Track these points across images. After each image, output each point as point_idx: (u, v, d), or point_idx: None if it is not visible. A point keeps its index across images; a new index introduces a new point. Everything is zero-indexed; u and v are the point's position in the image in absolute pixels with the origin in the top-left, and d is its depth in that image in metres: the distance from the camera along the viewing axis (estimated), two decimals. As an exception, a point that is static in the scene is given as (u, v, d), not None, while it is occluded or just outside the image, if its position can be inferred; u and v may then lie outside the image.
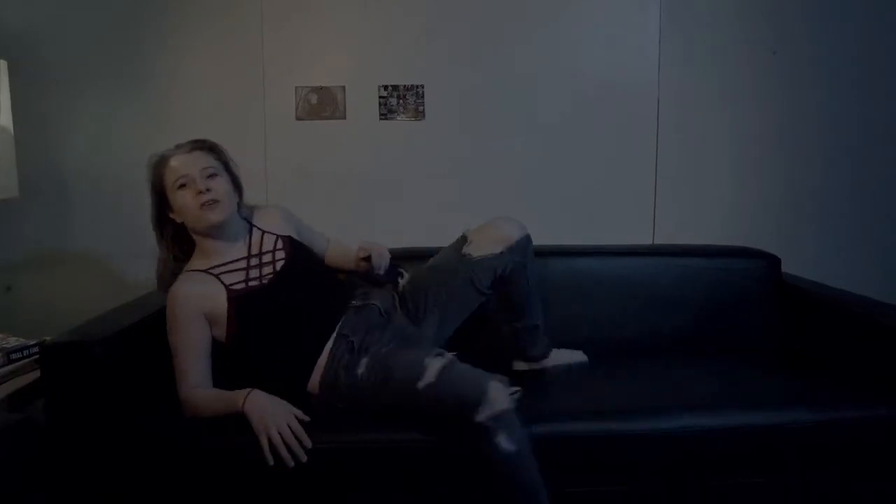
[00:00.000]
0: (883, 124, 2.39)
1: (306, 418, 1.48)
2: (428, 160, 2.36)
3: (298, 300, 1.69)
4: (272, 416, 1.47)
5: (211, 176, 1.70)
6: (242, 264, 1.73)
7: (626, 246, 2.26)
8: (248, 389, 1.52)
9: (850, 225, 2.42)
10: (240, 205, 1.80)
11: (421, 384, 1.47)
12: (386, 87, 2.34)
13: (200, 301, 1.65)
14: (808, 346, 2.04)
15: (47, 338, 1.60)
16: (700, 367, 1.94)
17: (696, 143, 2.38)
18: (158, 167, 1.73)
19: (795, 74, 2.35)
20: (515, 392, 1.44)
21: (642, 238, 2.40)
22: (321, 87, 2.31)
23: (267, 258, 1.75)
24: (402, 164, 2.36)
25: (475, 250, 1.76)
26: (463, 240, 1.81)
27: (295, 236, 1.83)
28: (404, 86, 2.33)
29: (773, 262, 2.19)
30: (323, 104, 2.31)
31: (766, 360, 2.01)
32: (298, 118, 2.32)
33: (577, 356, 1.97)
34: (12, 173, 1.96)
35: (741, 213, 2.42)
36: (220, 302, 1.65)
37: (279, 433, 1.44)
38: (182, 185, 1.68)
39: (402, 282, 1.84)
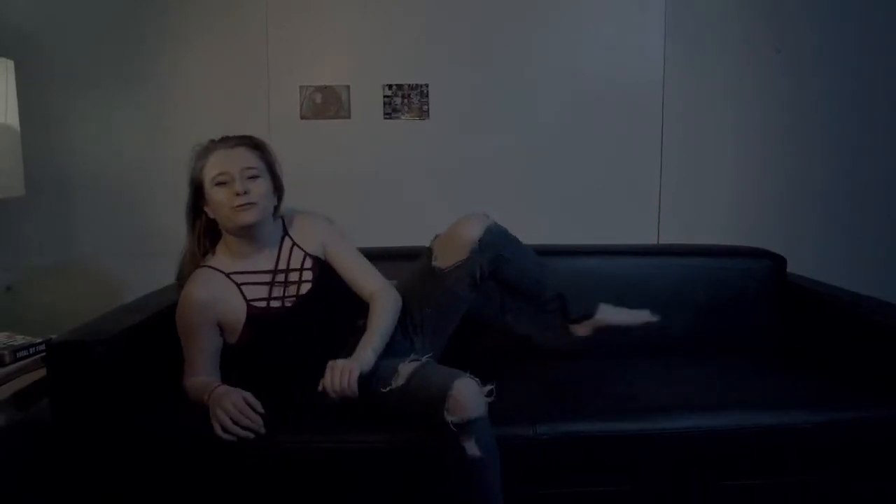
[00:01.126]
0: (887, 123, 2.38)
1: (260, 409, 1.46)
2: (432, 159, 2.36)
3: (315, 328, 1.65)
4: (221, 399, 1.46)
5: (252, 177, 1.65)
6: (267, 278, 1.69)
7: (630, 246, 2.26)
8: (217, 384, 1.53)
9: (855, 224, 2.41)
10: (277, 207, 1.76)
11: (390, 388, 1.48)
12: (390, 87, 2.34)
13: (216, 309, 1.65)
14: (813, 346, 2.04)
15: (53, 336, 1.61)
16: (704, 367, 1.93)
17: (701, 142, 2.37)
18: (199, 159, 1.68)
19: (799, 73, 2.35)
20: (488, 391, 1.42)
21: (647, 238, 2.39)
22: (325, 87, 2.32)
23: (293, 276, 1.70)
24: (405, 163, 2.36)
25: (443, 262, 1.69)
26: (430, 253, 1.73)
27: (322, 256, 1.75)
28: (408, 85, 2.34)
29: (778, 262, 2.18)
30: (327, 103, 2.32)
31: (771, 361, 2.00)
32: (303, 117, 2.32)
33: (643, 315, 1.80)
34: (18, 172, 1.97)
35: (746, 212, 2.41)
36: (237, 315, 1.65)
37: (228, 411, 1.43)
38: (221, 183, 1.63)
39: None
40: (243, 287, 1.67)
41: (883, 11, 2.33)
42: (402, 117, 2.35)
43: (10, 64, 1.94)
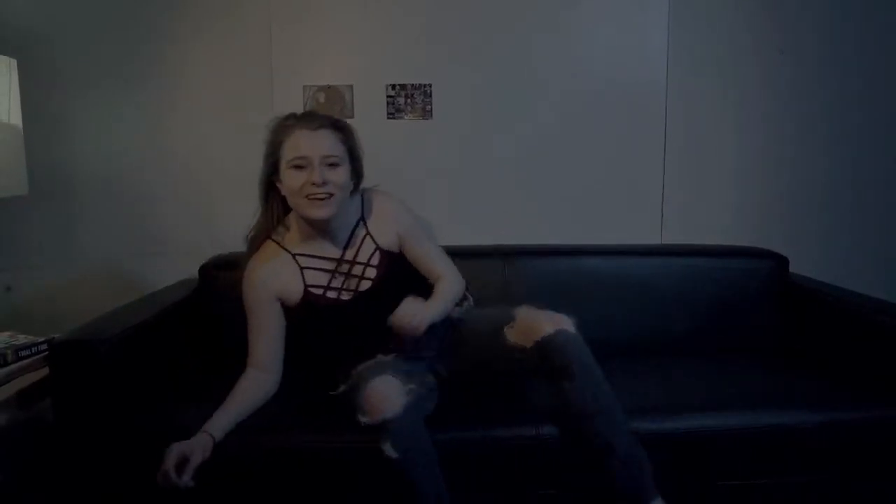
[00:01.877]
0: (890, 124, 2.38)
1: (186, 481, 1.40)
2: (435, 159, 2.36)
3: (364, 325, 1.61)
4: (171, 449, 1.43)
5: (332, 165, 1.58)
6: (330, 266, 1.66)
7: (633, 246, 2.26)
8: (208, 430, 1.48)
9: (857, 224, 2.41)
10: (356, 187, 1.69)
11: (340, 390, 1.49)
12: (394, 87, 2.34)
13: (276, 288, 1.64)
14: (814, 346, 2.04)
15: (56, 335, 1.62)
16: (705, 367, 1.94)
17: (704, 142, 2.37)
18: (279, 134, 1.61)
19: (802, 73, 2.34)
20: (408, 389, 1.38)
21: (650, 238, 2.39)
22: (329, 86, 2.32)
23: (357, 270, 1.67)
24: (408, 163, 2.36)
25: (512, 335, 1.54)
26: (510, 317, 1.57)
27: (394, 248, 1.71)
28: (412, 85, 2.33)
29: (780, 262, 2.18)
30: (331, 103, 2.32)
31: (772, 361, 2.00)
32: (306, 117, 2.32)
33: None
34: (22, 171, 1.97)
35: (749, 212, 2.40)
36: (294, 295, 1.64)
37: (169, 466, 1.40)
38: (298, 167, 1.56)
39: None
40: (305, 271, 1.65)
41: (885, 12, 2.32)
42: (406, 117, 2.35)
43: (13, 63, 1.94)
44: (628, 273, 2.17)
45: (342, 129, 1.63)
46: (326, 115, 1.65)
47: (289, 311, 1.66)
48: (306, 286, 1.64)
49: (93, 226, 2.32)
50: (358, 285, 1.66)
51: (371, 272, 1.67)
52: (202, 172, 2.32)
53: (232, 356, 1.76)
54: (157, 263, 2.30)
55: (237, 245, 2.23)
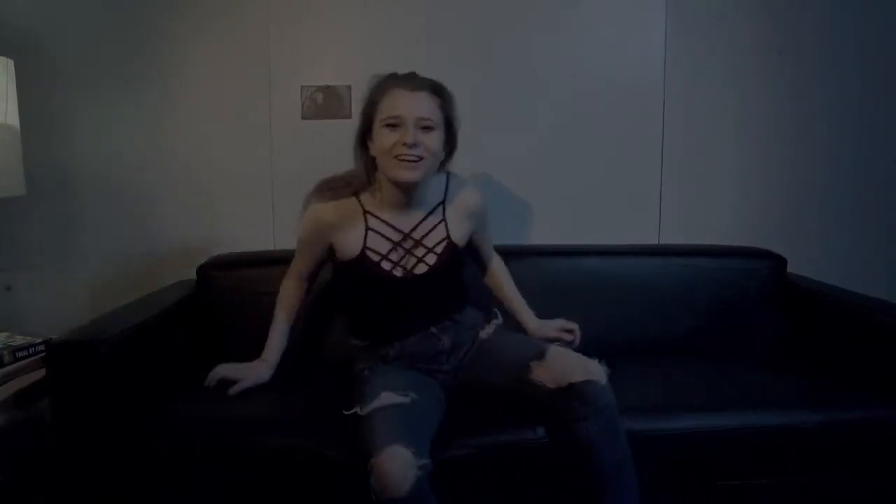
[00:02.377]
0: (888, 124, 2.38)
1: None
2: (433, 159, 2.36)
3: (407, 302, 1.65)
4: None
5: (426, 128, 1.55)
6: (396, 237, 1.65)
7: (631, 246, 2.26)
8: (263, 360, 1.73)
9: (856, 225, 2.41)
10: (445, 163, 1.68)
11: (355, 411, 1.44)
12: (391, 87, 2.33)
13: (336, 234, 1.65)
14: (813, 346, 2.04)
15: (53, 336, 1.61)
16: (704, 367, 1.93)
17: (702, 142, 2.37)
18: (377, 92, 1.60)
19: (800, 74, 2.34)
20: (421, 464, 1.28)
21: (648, 238, 2.39)
22: (327, 87, 2.31)
23: (418, 252, 1.65)
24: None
25: (538, 371, 1.49)
26: (541, 352, 1.54)
27: (463, 243, 1.72)
28: (410, 85, 2.33)
29: (778, 262, 2.19)
30: (329, 103, 2.31)
31: (771, 361, 2.00)
32: (304, 117, 2.32)
33: None
34: (19, 172, 1.97)
35: (747, 213, 2.41)
36: (350, 251, 1.64)
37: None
38: (391, 125, 1.54)
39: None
40: (370, 233, 1.64)
41: (884, 12, 2.33)
42: (404, 117, 2.34)
43: (11, 63, 1.94)
44: (627, 273, 2.17)
45: (442, 95, 1.61)
46: (428, 79, 1.62)
47: (342, 264, 1.68)
48: (365, 247, 1.63)
49: (91, 226, 2.31)
50: (414, 266, 1.65)
51: (431, 258, 1.66)
52: (201, 172, 2.31)
53: (230, 356, 1.76)
54: (155, 264, 2.29)
55: (236, 245, 2.25)
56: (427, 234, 1.67)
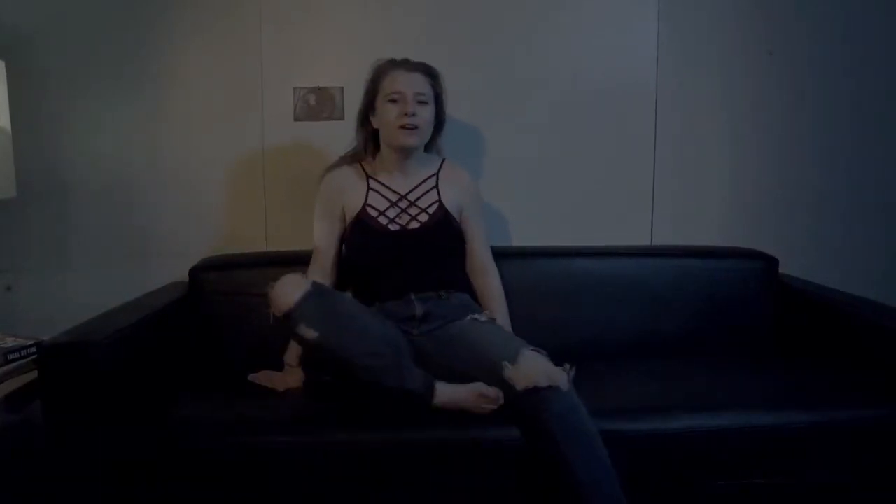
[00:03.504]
0: (880, 125, 2.39)
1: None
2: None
3: (401, 256, 1.85)
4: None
5: (421, 102, 1.85)
6: (394, 197, 1.91)
7: (624, 247, 2.27)
8: (290, 367, 1.80)
9: (848, 226, 2.42)
10: (434, 139, 1.97)
11: None
12: (384, 88, 2.33)
13: (343, 196, 1.92)
14: (806, 347, 2.05)
15: (45, 338, 1.60)
16: (698, 367, 1.94)
17: (694, 144, 2.38)
18: (379, 73, 1.89)
19: (792, 75, 2.35)
20: (310, 282, 1.60)
21: (640, 239, 2.39)
22: (320, 88, 2.31)
23: (413, 211, 1.90)
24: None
25: (509, 371, 1.52)
26: (515, 354, 1.56)
27: (455, 213, 1.93)
28: (402, 87, 2.33)
29: (770, 263, 2.19)
30: (321, 105, 2.31)
31: (764, 361, 2.01)
32: (297, 119, 2.31)
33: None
34: (10, 174, 1.96)
35: (739, 214, 2.41)
36: (354, 206, 1.90)
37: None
38: (392, 100, 1.84)
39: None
40: (371, 192, 1.90)
41: (877, 12, 2.34)
42: (396, 119, 2.34)
43: (2, 64, 1.93)
44: (620, 274, 2.17)
45: (433, 76, 1.90)
46: (421, 62, 1.90)
47: (347, 225, 1.92)
48: (366, 204, 1.89)
49: (83, 228, 2.30)
50: (408, 223, 1.88)
51: (424, 217, 1.89)
52: (193, 174, 2.30)
53: (222, 357, 1.76)
54: (147, 265, 2.28)
55: (228, 247, 2.25)
56: (421, 196, 1.92)
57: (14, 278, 2.29)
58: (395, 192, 1.91)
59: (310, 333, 1.53)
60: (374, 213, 1.88)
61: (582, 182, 2.37)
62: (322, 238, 1.93)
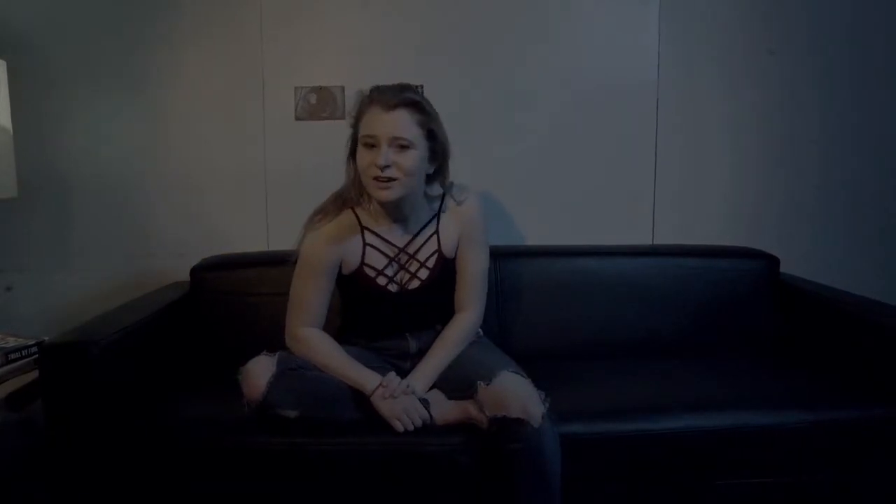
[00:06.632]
0: (881, 124, 2.38)
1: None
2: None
3: (401, 316, 1.71)
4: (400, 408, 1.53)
5: (402, 147, 1.53)
6: (391, 253, 1.69)
7: (625, 246, 2.27)
8: (377, 382, 1.56)
9: (849, 225, 2.41)
10: (436, 176, 1.67)
11: None
12: (385, 88, 2.33)
13: (340, 250, 1.67)
14: (807, 346, 2.05)
15: (45, 338, 1.61)
16: (699, 367, 1.93)
17: (696, 143, 2.38)
18: (360, 108, 1.59)
19: (794, 75, 2.35)
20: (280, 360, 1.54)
21: (642, 238, 2.39)
22: (320, 88, 2.31)
23: (412, 267, 1.70)
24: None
25: (481, 395, 1.48)
26: (490, 375, 1.50)
27: (452, 254, 1.71)
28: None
29: (771, 262, 2.19)
30: (322, 104, 2.31)
31: (765, 361, 2.01)
32: (298, 118, 2.31)
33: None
34: (11, 173, 1.96)
35: (740, 213, 2.41)
36: (350, 267, 1.68)
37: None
38: (368, 145, 1.55)
39: None
40: (367, 248, 1.68)
41: (877, 12, 2.33)
42: (397, 118, 2.34)
43: (3, 64, 1.93)
44: (621, 273, 2.17)
45: (421, 111, 1.57)
46: (410, 93, 1.58)
47: (341, 277, 1.71)
48: (363, 263, 1.67)
49: (84, 228, 2.30)
50: (408, 282, 1.70)
51: (423, 273, 1.70)
52: (194, 173, 2.30)
53: (223, 357, 1.75)
54: (149, 265, 2.29)
55: (229, 246, 2.25)
56: (420, 247, 1.70)
57: (14, 278, 2.29)
58: (392, 245, 1.68)
59: (291, 413, 1.50)
60: (371, 273, 1.67)
61: (583, 182, 2.37)
62: (312, 295, 1.68)
